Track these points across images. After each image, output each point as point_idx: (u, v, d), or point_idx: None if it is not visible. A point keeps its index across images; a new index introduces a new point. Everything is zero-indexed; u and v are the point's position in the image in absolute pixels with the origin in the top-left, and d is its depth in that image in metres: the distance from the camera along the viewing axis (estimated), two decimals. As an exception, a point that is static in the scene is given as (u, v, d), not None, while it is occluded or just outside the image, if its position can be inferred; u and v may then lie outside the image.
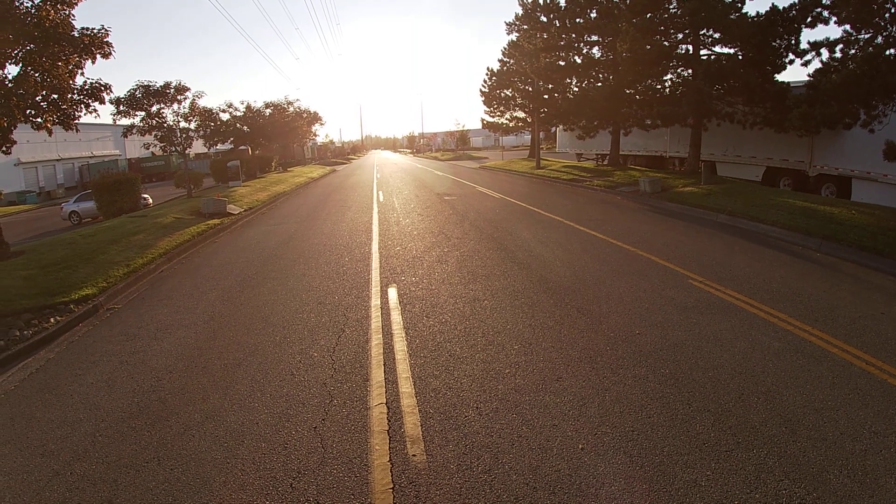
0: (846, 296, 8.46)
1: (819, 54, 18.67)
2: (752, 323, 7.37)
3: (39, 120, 14.49)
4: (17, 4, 13.18)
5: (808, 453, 4.52)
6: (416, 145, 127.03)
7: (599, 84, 30.41)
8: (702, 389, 5.61)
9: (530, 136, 54.71)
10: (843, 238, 11.75)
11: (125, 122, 28.73)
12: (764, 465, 4.39)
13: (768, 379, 5.78)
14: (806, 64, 19.43)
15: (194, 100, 30.67)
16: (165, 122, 29.33)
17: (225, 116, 45.43)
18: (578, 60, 32.44)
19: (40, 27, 13.22)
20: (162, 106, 28.83)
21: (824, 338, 6.78)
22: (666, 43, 23.82)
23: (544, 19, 35.52)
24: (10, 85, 13.57)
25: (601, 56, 31.47)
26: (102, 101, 15.71)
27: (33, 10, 13.27)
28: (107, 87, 15.68)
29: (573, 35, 31.10)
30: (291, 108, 55.14)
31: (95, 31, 14.73)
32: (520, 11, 42.51)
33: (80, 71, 14.78)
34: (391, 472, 4.57)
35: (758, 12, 21.53)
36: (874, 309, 7.82)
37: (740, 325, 7.31)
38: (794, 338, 6.83)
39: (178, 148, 30.77)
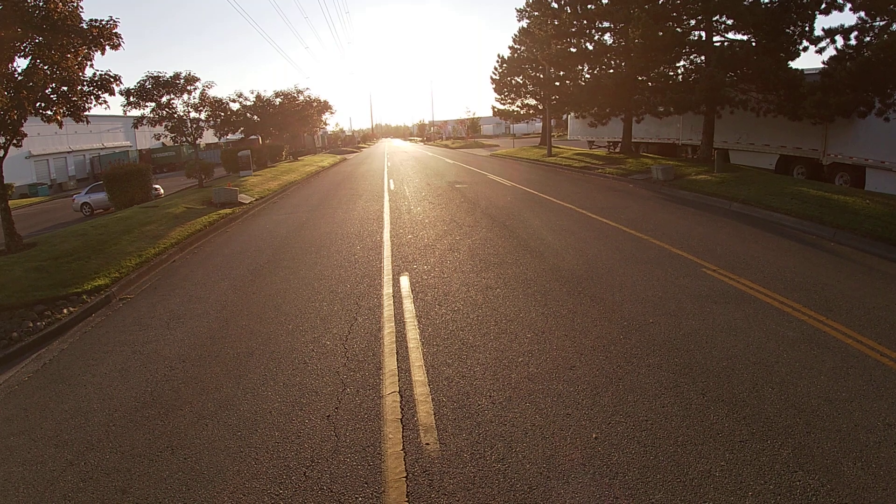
0: (860, 286, 8.36)
1: (834, 41, 18.47)
2: (765, 312, 7.30)
3: (49, 112, 14.58)
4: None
5: (822, 444, 4.49)
6: (426, 133, 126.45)
7: (611, 71, 30.06)
8: (716, 379, 5.58)
9: (541, 124, 54.36)
10: (857, 228, 11.61)
11: (135, 113, 28.89)
12: (778, 456, 4.36)
13: (782, 369, 5.73)
14: (820, 51, 19.30)
15: (204, 90, 30.73)
16: (176, 113, 29.45)
17: (235, 106, 45.59)
18: (590, 47, 32.06)
19: (48, 19, 13.23)
20: (172, 96, 28.97)
21: (838, 328, 6.71)
22: (679, 29, 23.48)
23: (555, 5, 35.08)
24: (19, 78, 13.62)
25: (613, 43, 31.09)
26: (112, 93, 15.81)
27: (41, 3, 13.27)
28: (116, 79, 15.77)
29: (585, 21, 30.75)
30: (301, 97, 55.25)
31: (104, 22, 14.78)
32: (531, -2, 42.15)
33: (89, 62, 14.84)
34: (404, 460, 4.58)
35: (771, -2, 21.19)
36: (888, 299, 7.72)
37: (754, 314, 7.25)
38: (808, 328, 6.77)
39: (188, 138, 30.85)
